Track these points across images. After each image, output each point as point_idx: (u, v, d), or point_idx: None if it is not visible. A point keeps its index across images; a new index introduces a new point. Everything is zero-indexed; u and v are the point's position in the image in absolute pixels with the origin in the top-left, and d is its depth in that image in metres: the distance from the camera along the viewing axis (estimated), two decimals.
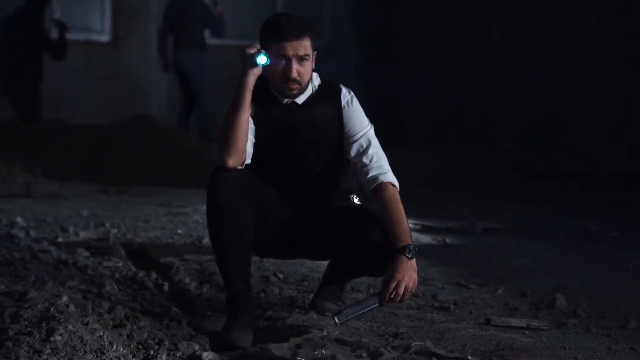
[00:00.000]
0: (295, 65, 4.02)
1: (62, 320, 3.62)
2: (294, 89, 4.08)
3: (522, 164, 10.61)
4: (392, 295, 3.88)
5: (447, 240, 6.61)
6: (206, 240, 6.27)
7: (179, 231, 6.71)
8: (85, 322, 3.69)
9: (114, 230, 6.67)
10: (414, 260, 3.93)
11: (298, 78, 4.04)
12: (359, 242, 4.07)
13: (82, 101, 12.97)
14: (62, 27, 11.86)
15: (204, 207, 7.69)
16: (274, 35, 4.01)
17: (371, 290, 4.86)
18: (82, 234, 6.50)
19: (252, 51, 3.98)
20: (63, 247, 5.84)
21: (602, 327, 4.31)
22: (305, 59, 4.03)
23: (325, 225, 4.22)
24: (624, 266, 5.66)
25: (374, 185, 4.10)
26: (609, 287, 5.10)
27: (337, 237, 4.17)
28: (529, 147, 11.00)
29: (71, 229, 6.65)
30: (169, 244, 6.25)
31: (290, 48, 4.00)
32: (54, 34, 11.98)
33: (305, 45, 4.01)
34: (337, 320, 3.87)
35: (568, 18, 10.81)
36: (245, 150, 4.02)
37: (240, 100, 3.99)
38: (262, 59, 3.95)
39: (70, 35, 12.18)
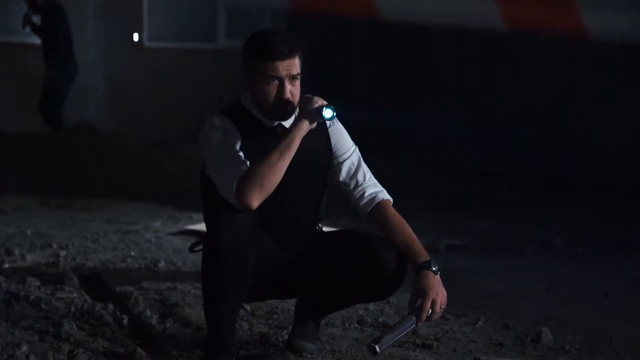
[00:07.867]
0: (288, 86, 3.77)
1: None
2: (288, 111, 3.84)
3: (470, 172, 10.46)
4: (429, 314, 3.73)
5: None
6: (162, 264, 5.98)
7: (132, 253, 6.36)
8: None
9: (63, 252, 6.31)
10: (439, 274, 3.77)
11: (292, 99, 3.79)
12: (371, 265, 3.85)
13: (13, 107, 12.43)
14: None
15: (155, 224, 7.57)
16: (263, 55, 3.76)
17: (346, 325, 4.64)
18: (29, 257, 6.15)
19: (317, 104, 3.76)
20: (11, 274, 5.52)
21: None
22: (297, 78, 3.80)
23: (318, 257, 3.98)
24: (602, 290, 5.47)
25: (374, 204, 3.92)
26: (592, 315, 4.90)
27: (337, 266, 3.94)
28: (477, 156, 10.86)
29: (17, 251, 6.29)
30: (123, 269, 5.92)
31: (283, 68, 3.76)
32: None
33: (296, 64, 3.79)
34: (378, 349, 3.61)
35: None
36: None
37: (290, 147, 3.72)
38: (328, 113, 3.76)
39: None
